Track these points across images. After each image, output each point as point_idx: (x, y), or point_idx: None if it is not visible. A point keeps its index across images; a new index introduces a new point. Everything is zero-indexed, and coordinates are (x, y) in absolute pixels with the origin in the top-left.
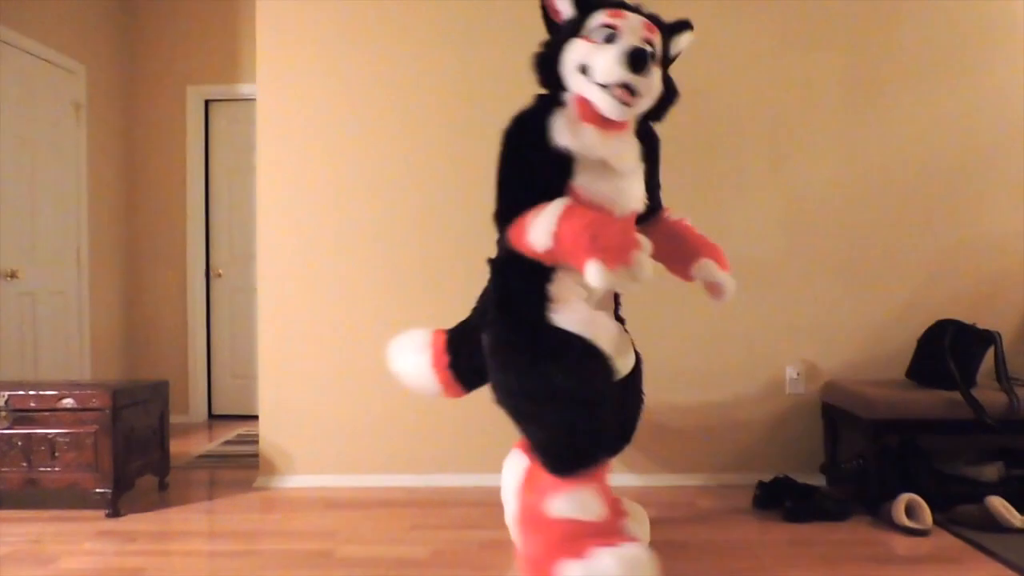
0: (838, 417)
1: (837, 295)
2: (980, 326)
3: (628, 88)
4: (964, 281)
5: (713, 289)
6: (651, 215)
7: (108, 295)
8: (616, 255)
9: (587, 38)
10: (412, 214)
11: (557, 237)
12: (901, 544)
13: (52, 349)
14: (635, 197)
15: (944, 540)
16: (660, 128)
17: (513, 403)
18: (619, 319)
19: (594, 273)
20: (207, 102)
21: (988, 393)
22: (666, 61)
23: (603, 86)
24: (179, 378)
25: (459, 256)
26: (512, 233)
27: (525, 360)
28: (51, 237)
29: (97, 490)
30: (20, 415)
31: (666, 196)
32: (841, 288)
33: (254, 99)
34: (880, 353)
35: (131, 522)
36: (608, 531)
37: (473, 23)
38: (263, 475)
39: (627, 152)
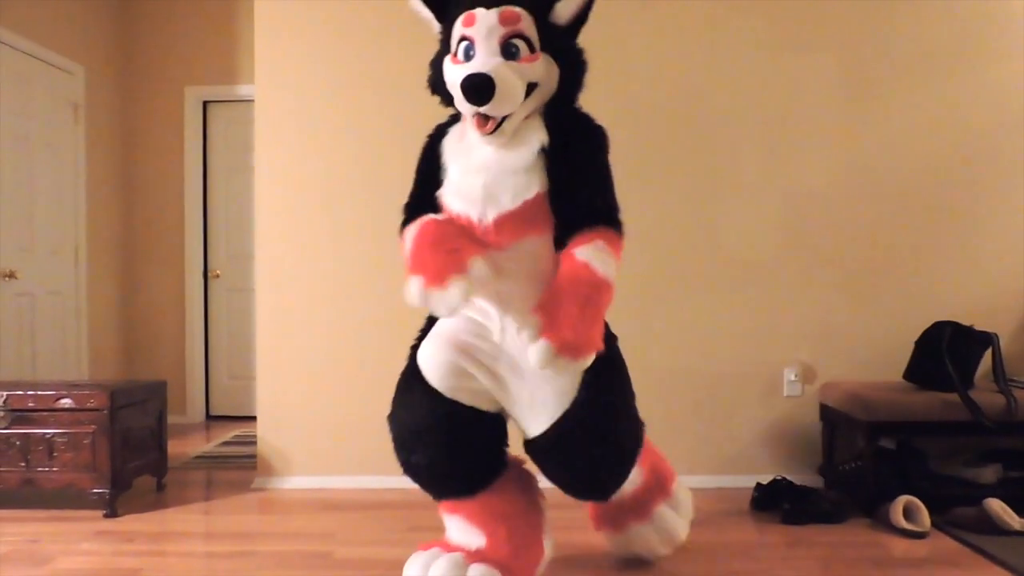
0: (836, 419)
1: (834, 296)
2: (978, 328)
3: (484, 116)
4: (962, 282)
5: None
6: (569, 232)
7: (106, 295)
8: (431, 276)
9: (454, 56)
10: None
11: (405, 251)
12: (899, 546)
13: (50, 349)
14: (504, 197)
15: (942, 543)
16: (658, 130)
17: None
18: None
19: (409, 290)
20: (205, 103)
21: (986, 395)
22: (553, 34)
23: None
24: (177, 378)
25: None
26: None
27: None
28: (49, 237)
29: (95, 490)
30: (18, 415)
31: (663, 197)
32: (838, 289)
33: (252, 100)
34: (878, 355)
35: (128, 522)
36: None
37: None
38: (261, 476)
39: (513, 153)
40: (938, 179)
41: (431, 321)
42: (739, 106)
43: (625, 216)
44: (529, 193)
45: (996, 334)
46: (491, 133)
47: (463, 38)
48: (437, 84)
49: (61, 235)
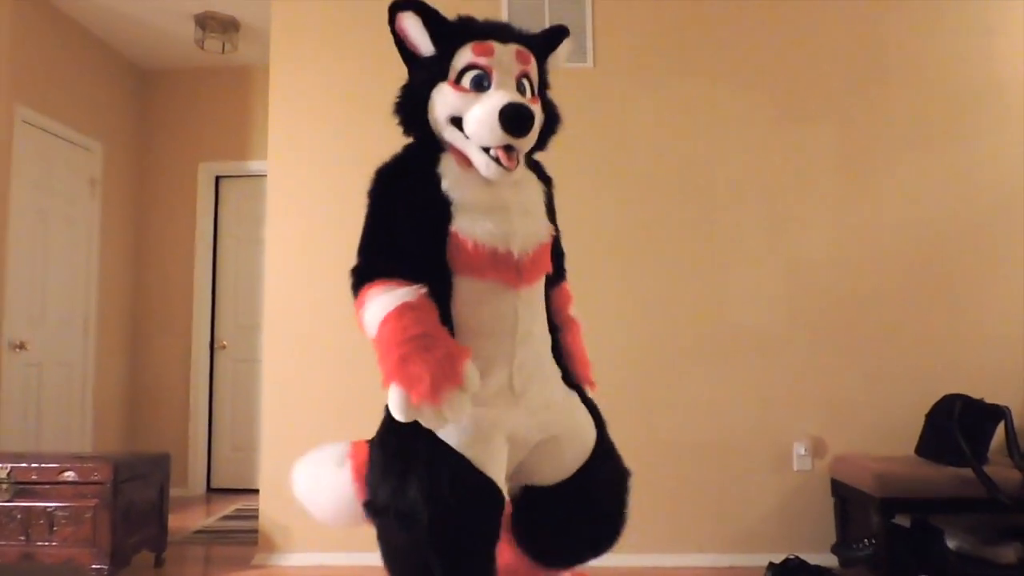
0: (848, 494)
1: (841, 367)
2: (988, 400)
3: (510, 149)
4: (969, 353)
5: None
6: (553, 280)
7: (113, 365)
8: (425, 389)
9: (454, 84)
10: None
11: (375, 339)
12: None
13: (55, 418)
14: (532, 234)
15: None
16: (663, 203)
17: None
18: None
19: (392, 401)
20: (217, 178)
21: (1001, 470)
22: (545, 81)
23: (484, 147)
24: (179, 449)
25: None
26: (356, 301)
27: None
28: (60, 308)
29: (93, 566)
30: (21, 487)
31: (668, 269)
32: (845, 360)
33: (262, 175)
34: (887, 428)
35: None
36: None
37: None
38: (262, 552)
39: (525, 191)
40: (942, 249)
41: None
42: (742, 178)
43: (631, 288)
44: (549, 231)
45: (1007, 407)
46: (515, 167)
47: (473, 67)
48: (415, 108)
49: (72, 306)
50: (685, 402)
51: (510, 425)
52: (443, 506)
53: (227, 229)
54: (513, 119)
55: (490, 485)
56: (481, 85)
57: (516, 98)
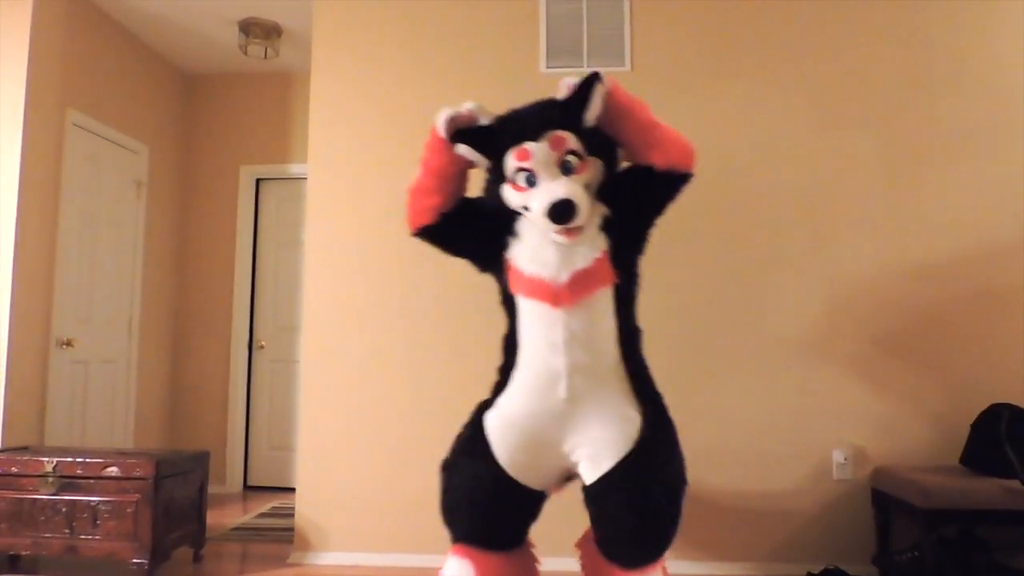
0: (890, 505)
1: (883, 376)
2: None
3: (568, 229)
4: (1016, 360)
5: None
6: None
7: (155, 364)
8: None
9: (513, 183)
10: (458, 294)
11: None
12: None
13: (99, 415)
14: (569, 264)
15: None
16: (703, 210)
17: None
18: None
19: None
20: (258, 180)
21: None
22: (591, 138)
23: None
24: (217, 447)
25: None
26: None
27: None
28: (106, 307)
29: (134, 560)
30: (66, 482)
31: (704, 274)
32: (887, 369)
33: (301, 178)
34: (930, 438)
35: None
36: None
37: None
38: (297, 550)
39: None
40: (988, 256)
41: (503, 381)
42: (782, 185)
43: (672, 295)
44: (597, 251)
45: None
46: (577, 237)
47: (521, 169)
48: (492, 199)
49: (117, 306)
50: (725, 410)
51: (553, 427)
52: (447, 466)
53: (267, 231)
54: (560, 216)
55: (493, 471)
56: (531, 182)
57: (558, 191)
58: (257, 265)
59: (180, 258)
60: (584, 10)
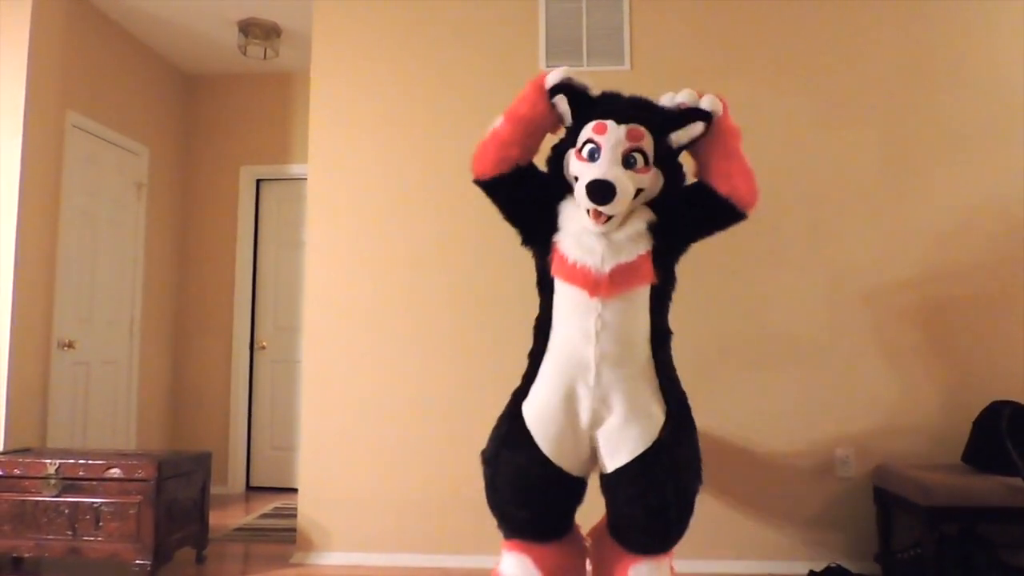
0: (892, 502)
1: (885, 374)
2: None
3: (598, 211)
4: (1017, 357)
5: None
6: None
7: (157, 365)
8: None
9: (578, 153)
10: (459, 293)
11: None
12: None
13: (101, 416)
14: (612, 257)
15: None
16: None
17: None
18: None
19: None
20: (258, 181)
21: None
22: (668, 154)
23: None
24: (219, 448)
25: (514, 337)
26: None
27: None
28: (107, 308)
29: (137, 561)
30: (68, 483)
31: (706, 272)
32: (889, 367)
33: (302, 179)
34: (932, 435)
35: None
36: None
37: None
38: (300, 551)
39: (622, 228)
40: (988, 253)
41: (533, 368)
42: (783, 183)
43: (672, 294)
44: (642, 249)
45: None
46: (602, 225)
47: (590, 141)
48: (555, 167)
49: (119, 307)
50: (726, 408)
51: (583, 415)
52: (491, 460)
53: (267, 231)
54: (596, 192)
55: (534, 455)
56: (593, 156)
57: (610, 173)
58: (258, 266)
59: (181, 259)
60: (584, 9)
